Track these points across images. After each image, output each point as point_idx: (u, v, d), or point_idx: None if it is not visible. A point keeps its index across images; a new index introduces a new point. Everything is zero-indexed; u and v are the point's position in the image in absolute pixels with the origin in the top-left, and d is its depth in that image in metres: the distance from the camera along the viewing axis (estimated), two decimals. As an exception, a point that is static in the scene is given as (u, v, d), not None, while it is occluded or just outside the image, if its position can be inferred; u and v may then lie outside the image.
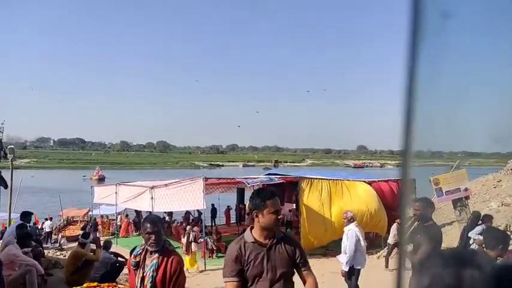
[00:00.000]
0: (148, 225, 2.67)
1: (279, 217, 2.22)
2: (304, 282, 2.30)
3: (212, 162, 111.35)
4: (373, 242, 11.24)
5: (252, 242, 2.22)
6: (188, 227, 11.27)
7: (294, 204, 13.41)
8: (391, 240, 9.19)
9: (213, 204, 17.00)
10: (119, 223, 16.81)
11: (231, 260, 2.20)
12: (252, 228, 2.29)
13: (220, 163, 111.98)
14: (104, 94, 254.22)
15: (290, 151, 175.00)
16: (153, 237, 2.65)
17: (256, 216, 2.21)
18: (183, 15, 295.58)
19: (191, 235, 10.40)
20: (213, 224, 16.80)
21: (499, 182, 17.88)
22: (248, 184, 11.71)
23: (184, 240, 10.36)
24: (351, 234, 5.60)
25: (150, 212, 10.75)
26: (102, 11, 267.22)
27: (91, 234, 7.34)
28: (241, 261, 2.19)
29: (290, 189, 13.55)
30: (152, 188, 11.47)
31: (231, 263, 2.20)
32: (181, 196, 10.59)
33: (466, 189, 9.19)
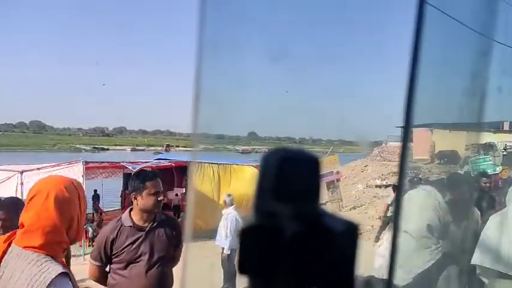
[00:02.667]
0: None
1: (159, 199, 2.17)
2: (171, 260, 2.29)
3: (96, 146, 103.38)
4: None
5: (130, 226, 2.14)
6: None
7: (184, 189, 13.40)
8: None
9: (95, 190, 15.92)
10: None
11: (101, 243, 2.12)
12: (131, 210, 2.21)
13: (106, 146, 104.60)
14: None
15: (183, 136, 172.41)
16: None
17: (135, 198, 2.14)
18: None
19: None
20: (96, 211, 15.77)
21: (365, 166, 20.51)
22: (134, 169, 11.26)
23: None
24: (231, 218, 5.77)
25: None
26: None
27: None
28: (114, 245, 2.10)
29: (180, 173, 13.51)
30: (21, 172, 10.23)
31: (99, 245, 2.12)
32: (57, 181, 9.68)
33: (337, 173, 10.28)
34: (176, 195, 13.73)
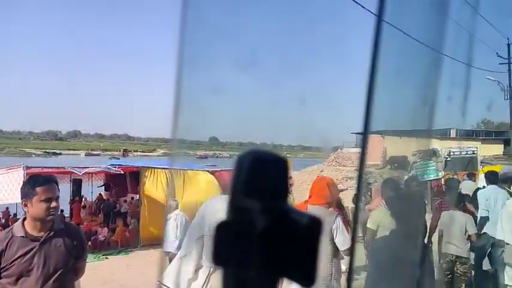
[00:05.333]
0: None
1: (52, 206, 2.00)
2: (74, 272, 2.18)
3: (48, 150, 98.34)
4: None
5: (22, 236, 1.98)
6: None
7: (138, 195, 13.01)
8: None
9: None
10: None
11: None
12: (24, 219, 2.05)
13: (58, 151, 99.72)
14: None
15: (142, 140, 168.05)
16: None
17: (25, 205, 1.99)
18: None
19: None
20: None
21: (321, 171, 21.01)
22: (80, 173, 10.79)
23: None
24: (180, 219, 5.72)
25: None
26: None
27: None
28: (3, 257, 1.94)
29: (134, 179, 13.09)
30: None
31: None
32: (-6, 188, 9.09)
33: (290, 177, 10.38)
34: (125, 201, 13.32)
